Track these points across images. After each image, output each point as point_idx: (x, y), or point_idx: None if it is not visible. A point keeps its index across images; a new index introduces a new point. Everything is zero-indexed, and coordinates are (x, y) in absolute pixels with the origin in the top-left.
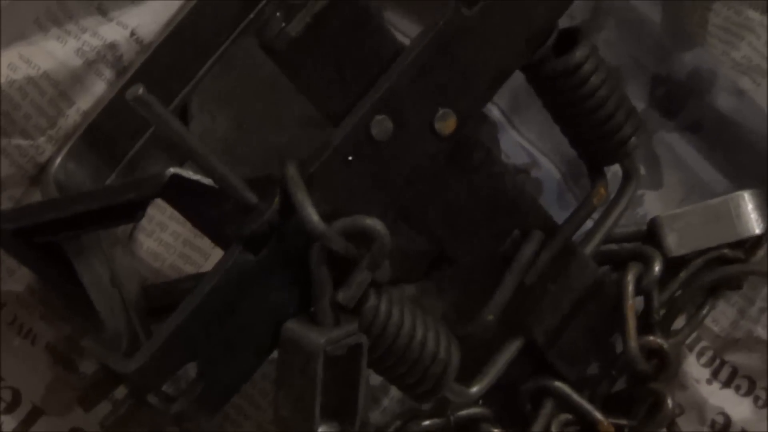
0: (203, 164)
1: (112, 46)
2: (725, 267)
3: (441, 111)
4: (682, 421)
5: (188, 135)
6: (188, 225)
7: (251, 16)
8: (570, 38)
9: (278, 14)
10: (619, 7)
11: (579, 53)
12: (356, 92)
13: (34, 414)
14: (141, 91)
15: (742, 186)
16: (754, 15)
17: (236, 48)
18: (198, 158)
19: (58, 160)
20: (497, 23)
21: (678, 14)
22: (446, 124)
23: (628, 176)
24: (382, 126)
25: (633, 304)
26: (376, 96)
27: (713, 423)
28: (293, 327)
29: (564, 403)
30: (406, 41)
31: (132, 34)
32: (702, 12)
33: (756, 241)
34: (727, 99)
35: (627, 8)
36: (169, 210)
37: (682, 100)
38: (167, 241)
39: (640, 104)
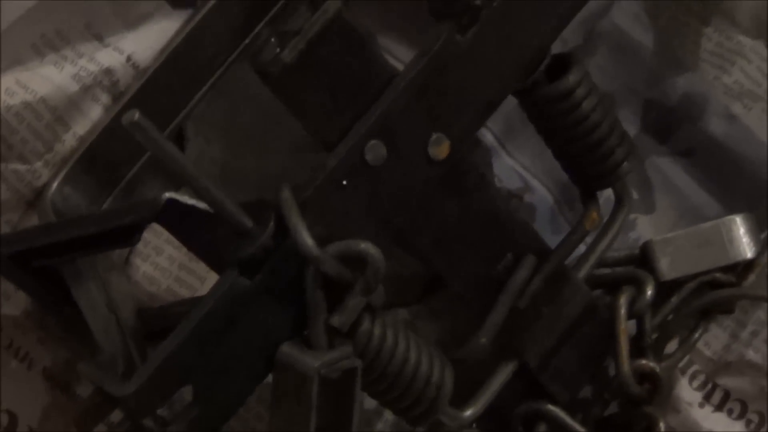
0: (198, 189)
1: (109, 72)
2: (717, 291)
3: (434, 136)
4: None
5: (183, 160)
6: (184, 249)
7: (246, 41)
8: (562, 63)
9: (273, 40)
10: (612, 33)
11: (571, 78)
12: (350, 117)
13: None
14: (137, 116)
15: (733, 210)
16: (746, 40)
17: (231, 73)
18: (193, 183)
19: (55, 184)
20: (490, 49)
21: (670, 40)
22: (440, 149)
23: (620, 201)
24: (376, 151)
25: (625, 327)
26: (370, 121)
27: None
28: (288, 350)
29: (557, 427)
30: (400, 66)
31: (128, 59)
32: (694, 37)
33: (748, 265)
34: (718, 124)
35: (619, 34)
36: (165, 234)
37: (675, 125)
38: (163, 265)
39: (632, 129)
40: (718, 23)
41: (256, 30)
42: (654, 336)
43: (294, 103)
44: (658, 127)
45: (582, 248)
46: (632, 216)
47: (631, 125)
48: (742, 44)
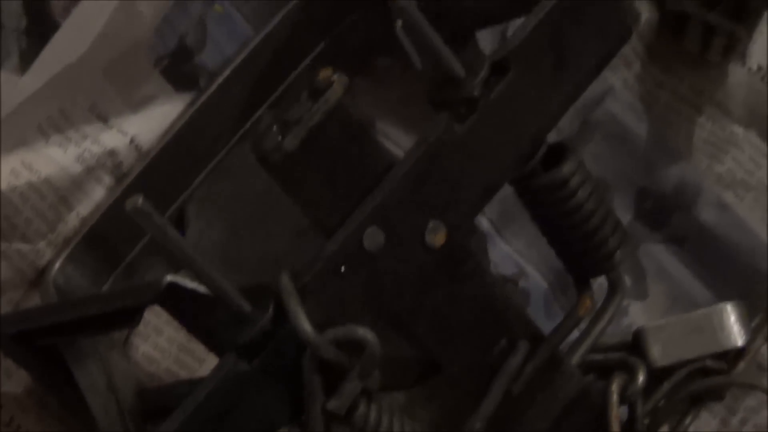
0: (199, 273)
1: (112, 153)
2: (708, 378)
3: (432, 223)
4: None
5: (184, 245)
6: (183, 330)
7: (247, 126)
8: (558, 152)
9: (274, 128)
10: (607, 122)
11: (566, 168)
12: (349, 204)
13: None
14: (140, 201)
15: (724, 298)
16: (738, 129)
17: (232, 157)
18: (194, 267)
19: (58, 264)
20: (487, 138)
21: (664, 128)
22: (437, 236)
23: (613, 288)
24: (373, 238)
25: (618, 413)
26: (369, 209)
27: None
28: None
29: None
30: (399, 151)
31: (131, 141)
32: (687, 126)
33: (738, 353)
34: (711, 212)
35: (614, 122)
36: (165, 315)
37: (668, 213)
38: (162, 346)
39: (626, 216)
40: (711, 112)
41: (257, 114)
42: (645, 422)
43: (294, 189)
44: (651, 215)
45: (575, 334)
46: (625, 302)
47: (624, 212)
48: (734, 133)
